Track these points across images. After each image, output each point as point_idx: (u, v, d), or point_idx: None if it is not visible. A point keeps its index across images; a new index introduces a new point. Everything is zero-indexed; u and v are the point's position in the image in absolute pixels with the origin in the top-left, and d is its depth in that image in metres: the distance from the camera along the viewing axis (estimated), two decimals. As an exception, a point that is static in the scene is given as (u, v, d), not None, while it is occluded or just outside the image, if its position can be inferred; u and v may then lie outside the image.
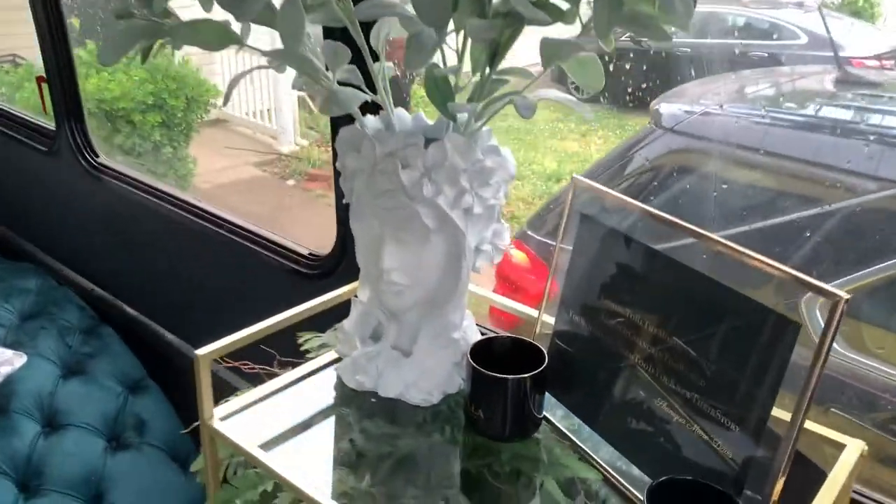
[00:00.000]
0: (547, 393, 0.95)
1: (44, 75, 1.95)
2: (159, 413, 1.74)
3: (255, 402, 1.00)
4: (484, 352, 0.93)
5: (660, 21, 0.75)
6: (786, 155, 2.01)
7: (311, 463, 0.92)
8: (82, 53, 5.56)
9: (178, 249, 1.79)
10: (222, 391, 1.01)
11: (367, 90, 0.91)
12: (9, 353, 1.61)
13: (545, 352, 0.93)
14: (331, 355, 1.10)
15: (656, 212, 0.84)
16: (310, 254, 1.49)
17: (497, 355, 0.95)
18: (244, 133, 7.46)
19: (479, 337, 1.01)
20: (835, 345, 0.76)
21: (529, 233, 2.48)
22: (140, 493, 1.57)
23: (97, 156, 1.97)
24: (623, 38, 0.85)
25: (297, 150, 7.29)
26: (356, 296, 1.05)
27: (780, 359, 0.70)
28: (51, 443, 1.60)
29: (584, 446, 0.93)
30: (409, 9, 0.83)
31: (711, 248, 0.79)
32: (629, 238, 0.87)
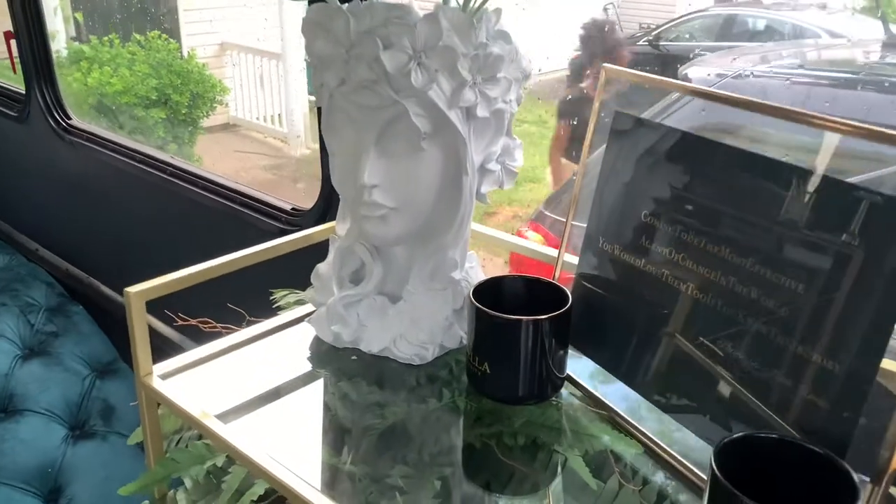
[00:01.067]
0: (571, 348, 0.75)
1: (11, 30, 1.78)
2: (130, 398, 1.55)
3: (205, 360, 0.81)
4: (490, 294, 0.73)
5: None
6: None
7: (274, 434, 0.73)
8: (85, 48, 5.45)
9: (154, 214, 1.61)
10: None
11: None
12: (-40, 330, 1.44)
13: (568, 293, 0.73)
14: (306, 309, 0.91)
15: (717, 91, 0.65)
16: (292, 209, 1.30)
17: (507, 299, 0.76)
18: (255, 137, 7.35)
19: (481, 278, 0.81)
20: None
21: (546, 212, 2.28)
22: (103, 486, 1.38)
23: (69, 118, 1.80)
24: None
25: (308, 154, 7.16)
26: (335, 234, 0.86)
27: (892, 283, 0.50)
28: (4, 430, 1.41)
29: (618, 410, 0.73)
30: None
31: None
32: (680, 132, 0.68)
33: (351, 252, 0.81)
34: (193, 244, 1.52)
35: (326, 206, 1.22)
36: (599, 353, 0.76)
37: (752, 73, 2.12)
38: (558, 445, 0.71)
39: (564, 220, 0.81)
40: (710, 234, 0.64)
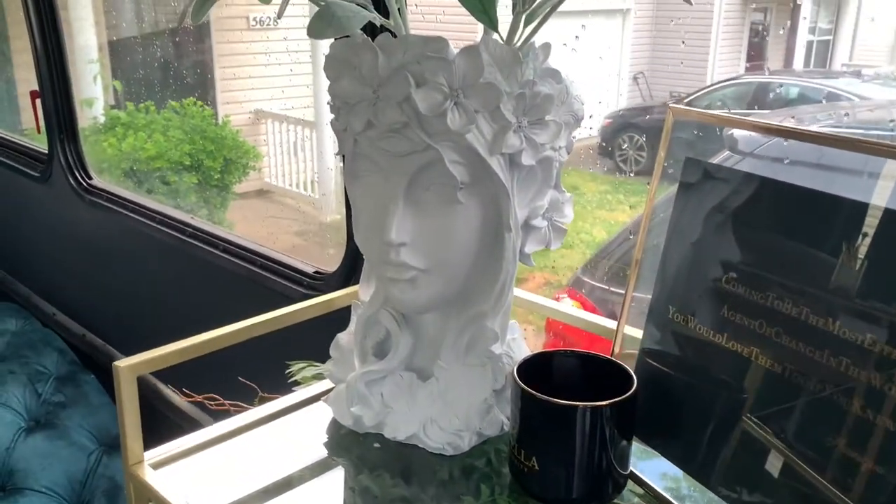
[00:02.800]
0: (634, 441, 0.63)
1: (37, 90, 1.75)
2: (139, 477, 1.44)
3: (207, 446, 0.70)
4: (538, 373, 0.62)
5: None
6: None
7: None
8: (122, 115, 5.53)
9: (174, 277, 1.53)
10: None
11: (374, 11, 0.64)
12: (-38, 400, 1.35)
13: (632, 373, 0.61)
14: (324, 385, 0.80)
15: (803, 129, 0.54)
16: (315, 272, 1.21)
17: (557, 379, 0.64)
18: (287, 203, 7.40)
19: (527, 352, 0.70)
20: None
21: (583, 278, 2.16)
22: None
23: (90, 177, 1.74)
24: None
25: (339, 220, 7.16)
26: (358, 299, 0.75)
27: None
28: (1, 511, 1.30)
29: (696, 518, 0.60)
30: None
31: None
32: (759, 178, 0.57)
33: (375, 321, 0.71)
34: (212, 308, 1.43)
35: (352, 269, 1.12)
36: (669, 445, 0.63)
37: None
38: (622, 559, 0.58)
39: (604, 286, 0.69)
40: (805, 299, 0.52)
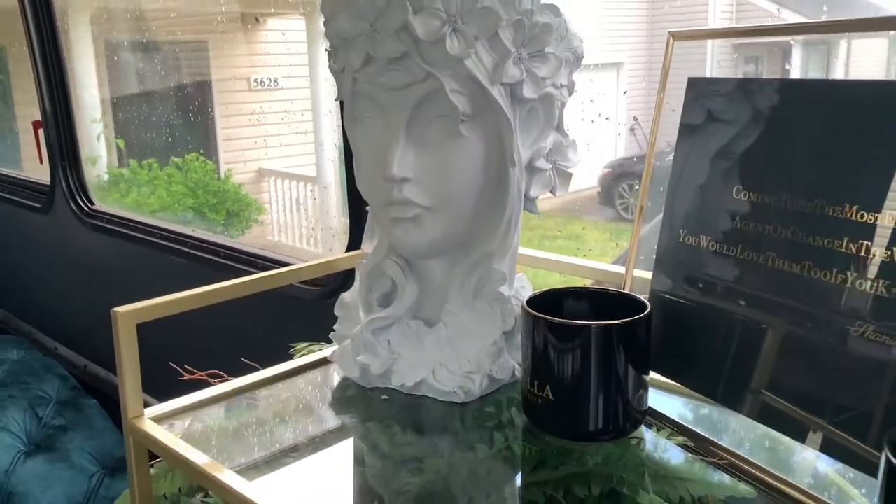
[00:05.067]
0: (652, 377, 0.60)
1: (39, 120, 1.76)
2: (142, 499, 1.39)
3: (207, 404, 0.67)
4: (549, 310, 0.60)
5: None
6: None
7: (290, 497, 0.58)
8: (125, 172, 5.58)
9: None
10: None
11: None
12: (-39, 422, 1.32)
13: (646, 301, 0.59)
14: (329, 352, 0.77)
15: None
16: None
17: (569, 316, 0.62)
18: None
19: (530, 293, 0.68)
20: None
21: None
22: None
23: (92, 203, 1.74)
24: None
25: (344, 274, 7.15)
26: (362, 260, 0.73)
27: None
28: (-1, 534, 1.26)
29: (724, 445, 0.57)
30: None
31: None
32: (764, 81, 0.56)
33: (380, 271, 0.69)
34: (219, 318, 1.40)
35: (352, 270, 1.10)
36: (689, 374, 0.61)
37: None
38: (646, 493, 0.55)
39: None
40: (826, 196, 0.50)
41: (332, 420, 0.68)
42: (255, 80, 6.78)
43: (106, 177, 5.47)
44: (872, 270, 0.47)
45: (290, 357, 0.92)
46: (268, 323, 1.19)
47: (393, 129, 0.62)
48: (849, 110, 0.50)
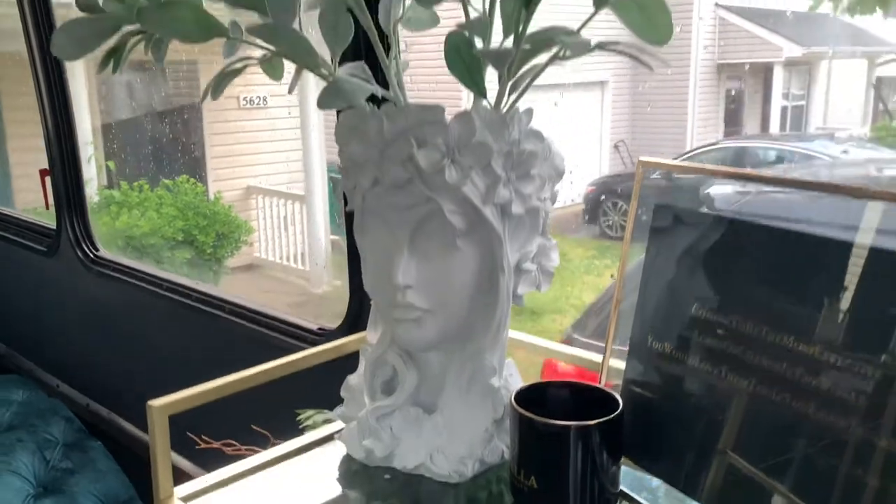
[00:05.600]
0: (625, 461, 0.69)
1: (46, 168, 1.84)
2: (146, 541, 1.46)
3: (229, 482, 0.75)
4: (533, 402, 0.68)
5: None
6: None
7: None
8: (115, 194, 5.63)
9: (180, 341, 1.58)
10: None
11: (375, 84, 0.73)
12: (-26, 467, 1.38)
13: (619, 398, 0.68)
14: (334, 428, 0.86)
15: (762, 173, 0.62)
16: (318, 328, 1.27)
17: (551, 408, 0.70)
18: (277, 277, 7.44)
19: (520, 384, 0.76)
20: None
21: (575, 336, 2.23)
22: None
23: (97, 249, 1.81)
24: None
25: (330, 291, 7.21)
26: (366, 344, 0.82)
27: None
28: (10, 577, 1.32)
29: (682, 527, 0.65)
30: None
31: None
32: (727, 218, 0.65)
33: (383, 360, 0.77)
34: (220, 370, 1.48)
35: (353, 325, 1.18)
36: (656, 462, 0.69)
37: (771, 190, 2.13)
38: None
39: (597, 343, 0.77)
40: (770, 325, 0.59)
41: (338, 495, 0.76)
42: (245, 99, 6.85)
43: (96, 198, 5.53)
44: (808, 395, 0.56)
45: (295, 414, 1.01)
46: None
47: (398, 242, 0.71)
48: (788, 256, 0.59)
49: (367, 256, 0.75)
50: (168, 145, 6.60)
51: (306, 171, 6.81)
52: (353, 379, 0.81)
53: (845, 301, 0.55)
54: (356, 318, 1.19)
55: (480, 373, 0.74)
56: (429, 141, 0.68)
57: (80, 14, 0.74)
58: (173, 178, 5.72)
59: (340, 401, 0.83)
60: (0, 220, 2.16)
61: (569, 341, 2.24)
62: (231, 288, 6.22)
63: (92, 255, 1.80)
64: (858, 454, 0.52)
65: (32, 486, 1.52)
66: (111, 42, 0.77)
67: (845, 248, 0.56)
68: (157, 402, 0.70)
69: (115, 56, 0.79)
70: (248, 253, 6.83)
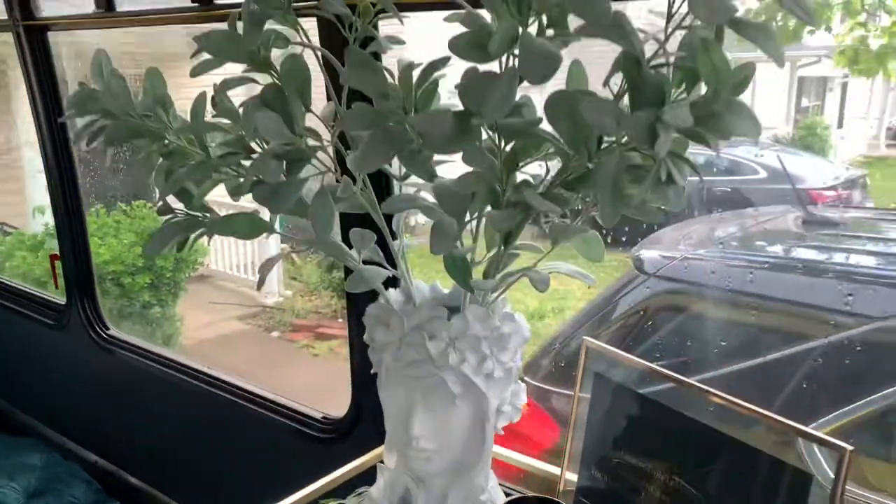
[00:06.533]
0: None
1: (56, 253, 2.04)
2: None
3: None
4: (512, 511, 0.97)
5: (654, 204, 0.85)
6: (762, 294, 2.13)
7: None
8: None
9: (187, 417, 1.81)
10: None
11: (388, 266, 1.00)
12: (18, 535, 1.60)
13: (571, 509, 0.97)
14: (358, 522, 1.13)
15: (658, 368, 0.92)
16: (323, 417, 1.53)
17: (525, 514, 0.99)
18: (228, 287, 7.55)
19: (503, 497, 1.05)
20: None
21: (526, 379, 2.53)
22: None
23: (108, 328, 2.03)
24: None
25: (281, 301, 7.36)
26: (381, 462, 1.09)
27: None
28: None
29: None
30: (429, 197, 0.94)
31: (710, 399, 0.87)
32: (636, 393, 0.94)
33: (399, 481, 1.05)
34: (225, 444, 1.73)
35: (357, 417, 1.45)
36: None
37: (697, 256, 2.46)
38: None
39: (545, 386, 1.05)
40: (659, 465, 0.89)
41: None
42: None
43: (52, 224, 5.61)
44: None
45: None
46: (282, 459, 1.53)
47: (412, 401, 0.98)
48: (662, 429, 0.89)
49: (388, 406, 1.03)
50: (122, 167, 6.66)
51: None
52: (374, 492, 1.08)
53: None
54: (358, 410, 1.46)
55: (473, 491, 1.02)
56: (436, 334, 0.95)
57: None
58: (129, 202, 5.83)
59: (348, 488, 1.10)
60: (9, 292, 2.34)
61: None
62: (183, 302, 6.35)
63: (104, 335, 2.01)
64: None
65: (65, 547, 1.74)
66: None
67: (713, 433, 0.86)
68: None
69: (183, 244, 1.05)
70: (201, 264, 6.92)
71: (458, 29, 0.77)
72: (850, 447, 0.73)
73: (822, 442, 0.76)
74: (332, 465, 1.19)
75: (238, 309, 7.18)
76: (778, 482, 0.78)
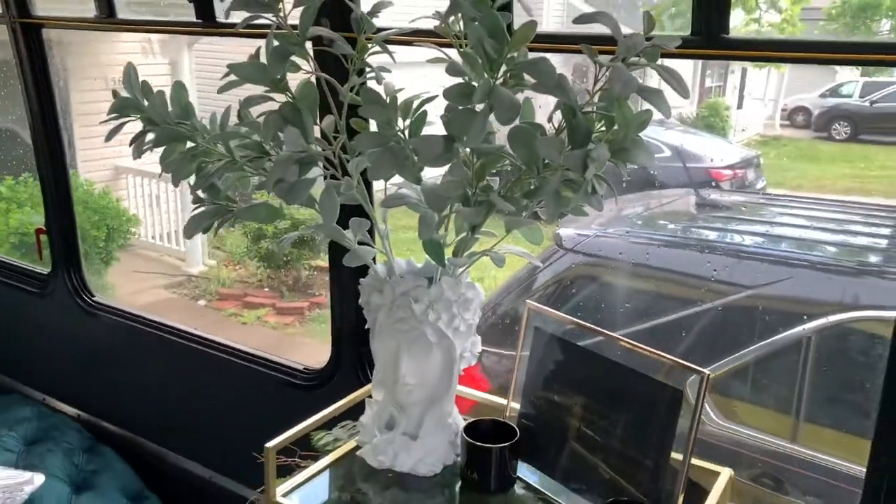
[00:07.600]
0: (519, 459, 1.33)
1: (42, 227, 2.23)
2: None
3: (305, 481, 1.33)
4: (473, 431, 1.31)
5: (584, 203, 1.19)
6: (661, 267, 2.54)
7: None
8: (2, 189, 5.67)
9: (175, 373, 2.06)
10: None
11: (374, 245, 1.32)
12: (28, 474, 1.83)
13: (517, 428, 1.32)
14: (348, 446, 1.44)
15: (582, 322, 1.27)
16: (304, 368, 1.83)
17: (482, 433, 1.33)
18: (150, 256, 7.56)
19: (462, 422, 1.39)
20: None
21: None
22: None
23: (93, 295, 2.25)
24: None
25: (206, 271, 7.45)
26: (369, 397, 1.41)
27: (670, 417, 1.12)
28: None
29: (547, 493, 1.31)
30: (413, 195, 1.26)
31: (617, 345, 1.22)
32: (562, 340, 1.29)
33: (385, 410, 1.37)
34: (214, 398, 2.00)
35: (336, 367, 1.75)
36: (534, 459, 1.34)
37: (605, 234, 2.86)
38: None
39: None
40: (578, 400, 1.25)
41: (359, 484, 1.35)
42: (114, 80, 6.95)
43: (-24, 193, 5.57)
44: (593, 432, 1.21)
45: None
46: (267, 406, 1.82)
47: (400, 349, 1.30)
48: (591, 372, 1.24)
49: (378, 353, 1.34)
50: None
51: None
52: (364, 419, 1.40)
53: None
54: (337, 359, 1.75)
55: (443, 416, 1.35)
56: (419, 298, 1.27)
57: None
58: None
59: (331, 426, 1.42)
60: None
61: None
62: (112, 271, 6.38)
63: (90, 301, 2.23)
64: (605, 455, 1.18)
65: (70, 486, 1.97)
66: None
67: (619, 368, 1.21)
68: (271, 443, 1.26)
69: (210, 227, 1.32)
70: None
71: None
72: (708, 371, 1.09)
73: (689, 369, 1.12)
74: (316, 409, 1.49)
75: (162, 278, 7.22)
76: (660, 400, 1.14)
